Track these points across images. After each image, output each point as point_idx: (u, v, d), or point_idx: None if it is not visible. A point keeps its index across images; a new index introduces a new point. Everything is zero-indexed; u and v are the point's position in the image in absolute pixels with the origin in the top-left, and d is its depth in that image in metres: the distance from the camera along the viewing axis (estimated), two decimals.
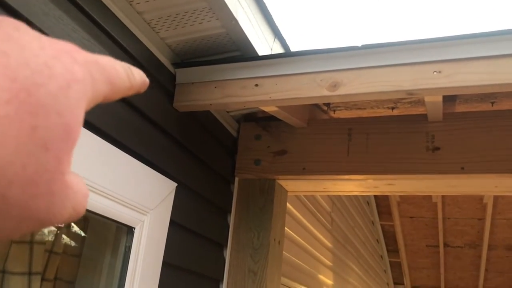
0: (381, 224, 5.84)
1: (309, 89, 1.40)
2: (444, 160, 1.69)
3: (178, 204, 1.51)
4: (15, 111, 0.19)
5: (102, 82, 0.24)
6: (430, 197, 5.14)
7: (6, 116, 0.18)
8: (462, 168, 1.66)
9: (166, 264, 1.43)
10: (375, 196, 5.42)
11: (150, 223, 1.34)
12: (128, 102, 1.33)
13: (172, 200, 1.47)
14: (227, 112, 1.94)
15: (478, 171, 1.64)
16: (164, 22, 1.42)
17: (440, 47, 1.28)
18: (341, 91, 1.37)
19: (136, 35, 1.38)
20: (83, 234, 1.40)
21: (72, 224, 1.39)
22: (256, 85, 1.47)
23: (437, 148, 1.71)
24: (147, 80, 0.30)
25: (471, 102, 1.84)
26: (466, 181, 1.73)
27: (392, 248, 6.24)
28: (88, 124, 1.16)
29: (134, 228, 1.29)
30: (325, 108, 2.05)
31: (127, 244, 1.28)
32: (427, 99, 1.46)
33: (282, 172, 1.90)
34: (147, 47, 1.43)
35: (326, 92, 1.38)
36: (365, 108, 2.04)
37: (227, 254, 1.87)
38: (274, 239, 1.90)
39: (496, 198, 4.94)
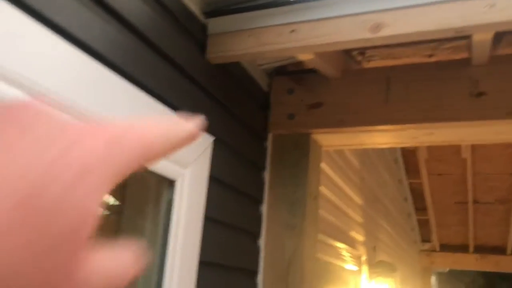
0: (409, 182, 5.77)
1: (349, 32, 1.33)
2: (490, 105, 1.61)
3: (215, 159, 1.48)
4: (22, 216, 0.19)
5: (130, 154, 0.23)
6: (459, 152, 5.03)
7: (13, 223, 0.18)
8: (509, 113, 1.58)
9: (207, 218, 1.41)
10: (403, 154, 5.34)
11: (191, 176, 1.32)
12: (163, 54, 1.29)
13: (209, 155, 1.44)
14: (258, 65, 1.88)
15: None
16: None
17: None
18: (385, 32, 1.29)
19: None
20: (122, 191, 1.38)
21: None
22: (292, 31, 1.40)
23: (482, 93, 1.63)
24: (196, 132, 0.26)
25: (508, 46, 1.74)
26: None
27: (420, 206, 6.19)
28: (123, 73, 1.12)
29: (176, 181, 1.27)
30: (359, 58, 1.98)
31: (169, 198, 1.26)
32: (475, 37, 1.38)
33: (317, 126, 1.85)
34: None
35: (368, 35, 1.31)
36: (401, 57, 1.96)
37: (264, 209, 1.84)
38: (310, 194, 1.86)
39: None
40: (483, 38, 1.38)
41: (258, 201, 1.83)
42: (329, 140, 1.97)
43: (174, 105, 1.29)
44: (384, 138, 1.90)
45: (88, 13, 1.03)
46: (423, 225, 6.55)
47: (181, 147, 0.26)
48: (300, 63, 1.98)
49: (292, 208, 1.82)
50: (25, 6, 0.87)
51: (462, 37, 1.73)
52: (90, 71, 0.99)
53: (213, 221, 1.47)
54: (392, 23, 1.29)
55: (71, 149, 0.21)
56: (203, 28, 1.50)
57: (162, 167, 1.22)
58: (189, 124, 0.26)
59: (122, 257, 0.23)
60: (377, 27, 1.30)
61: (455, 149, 5.04)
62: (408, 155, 5.30)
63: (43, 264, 0.19)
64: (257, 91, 1.86)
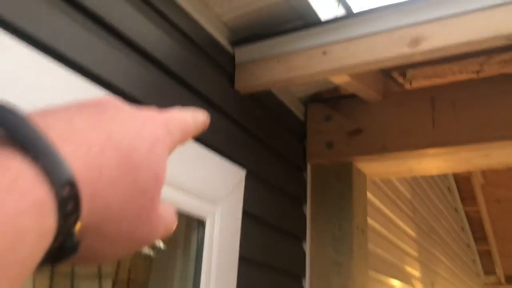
0: (465, 211, 5.43)
1: (385, 48, 1.22)
2: None
3: (249, 193, 1.38)
4: (122, 172, 0.26)
5: (177, 133, 0.32)
6: None
7: (117, 176, 0.26)
8: None
9: (243, 259, 1.31)
10: (456, 181, 5.05)
11: (222, 214, 1.22)
12: (191, 88, 1.22)
13: (242, 189, 1.34)
14: (292, 93, 1.80)
15: None
16: None
17: None
18: (424, 46, 1.18)
19: (190, 13, 1.27)
20: None
21: None
22: (324, 52, 1.31)
23: None
24: (207, 119, 0.37)
25: None
26: None
27: (479, 235, 5.79)
28: None
29: (205, 221, 1.18)
30: (401, 79, 1.86)
31: (199, 237, 1.16)
32: None
33: (359, 153, 1.72)
34: (202, 26, 1.32)
35: (407, 50, 1.20)
36: (446, 75, 1.82)
37: (307, 246, 1.71)
38: (357, 228, 1.72)
39: None
40: None
41: (300, 238, 1.70)
42: (373, 168, 1.84)
43: (202, 139, 1.22)
44: (434, 163, 1.75)
45: (106, 48, 0.98)
46: (485, 256, 6.11)
47: (200, 130, 0.35)
48: (336, 88, 1.88)
49: (338, 244, 1.68)
50: (35, 42, 0.82)
51: None
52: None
53: (249, 261, 1.36)
54: (433, 35, 1.17)
55: (145, 124, 0.29)
56: (231, 58, 1.44)
57: (190, 205, 1.13)
58: (203, 112, 0.36)
59: (171, 210, 0.31)
60: (416, 41, 1.19)
61: None
62: (462, 181, 5.00)
63: (135, 204, 0.27)
64: (292, 120, 1.77)
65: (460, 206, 5.32)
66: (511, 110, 1.51)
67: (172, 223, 0.31)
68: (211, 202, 1.19)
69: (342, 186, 1.74)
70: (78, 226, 0.24)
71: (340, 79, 1.46)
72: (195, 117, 0.35)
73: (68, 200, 0.22)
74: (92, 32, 0.96)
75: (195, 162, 1.15)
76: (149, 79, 1.09)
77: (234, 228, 1.27)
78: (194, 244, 1.17)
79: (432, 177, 3.97)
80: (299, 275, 1.66)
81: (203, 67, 1.29)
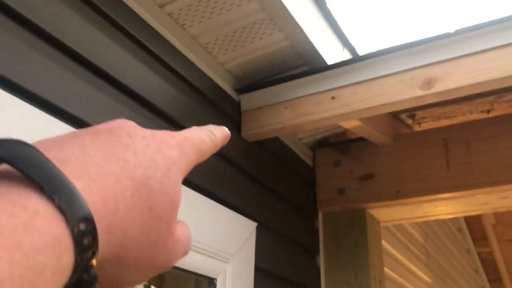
0: (477, 252, 5.28)
1: (397, 91, 1.18)
2: None
3: (260, 247, 1.31)
4: (138, 200, 0.26)
5: (192, 153, 0.31)
6: None
7: (133, 206, 0.25)
8: None
9: None
10: (467, 221, 4.92)
11: (233, 271, 1.14)
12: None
13: (254, 243, 1.27)
14: (299, 139, 1.75)
15: None
16: (221, 44, 1.28)
17: None
18: (438, 87, 1.14)
19: (193, 62, 1.24)
20: None
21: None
22: (333, 97, 1.27)
23: None
24: (228, 133, 0.36)
25: None
26: None
27: (494, 277, 5.61)
28: None
29: (216, 279, 1.10)
30: (410, 121, 1.81)
31: None
32: None
33: (372, 199, 1.65)
34: (206, 75, 1.28)
35: (420, 92, 1.16)
36: (455, 116, 1.78)
37: None
38: (375, 278, 1.63)
39: None
40: None
41: None
42: (387, 215, 1.76)
43: (209, 191, 1.16)
44: (450, 207, 1.68)
45: (109, 100, 0.94)
46: None
47: (220, 146, 0.35)
48: (343, 133, 1.84)
49: None
50: (32, 96, 0.78)
51: None
52: None
53: None
54: (446, 76, 1.13)
55: (160, 149, 0.29)
56: (237, 105, 1.40)
57: (200, 264, 1.06)
58: (222, 128, 0.35)
59: (186, 230, 0.31)
60: (429, 83, 1.15)
61: None
62: (473, 222, 4.88)
63: (152, 231, 0.27)
64: (301, 166, 1.71)
65: (472, 247, 5.17)
66: None
67: (188, 243, 0.31)
68: (221, 259, 1.12)
69: (356, 234, 1.66)
70: (96, 259, 0.24)
71: (350, 124, 1.42)
72: (212, 134, 0.34)
73: (84, 235, 0.22)
74: (94, 85, 0.92)
75: (203, 217, 1.08)
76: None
77: (246, 285, 1.19)
78: None
79: (442, 219, 3.87)
80: None
81: (208, 116, 1.25)
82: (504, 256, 5.24)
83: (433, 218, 1.83)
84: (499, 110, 1.71)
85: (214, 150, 0.34)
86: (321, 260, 1.67)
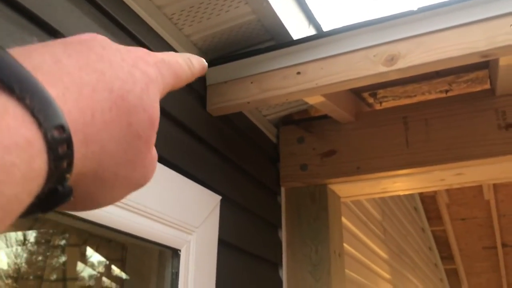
0: (431, 230, 5.49)
1: (361, 67, 1.20)
2: None
3: (224, 220, 1.32)
4: (116, 114, 0.25)
5: (169, 76, 0.30)
6: (481, 195, 4.80)
7: (111, 120, 0.25)
8: None
9: None
10: (422, 201, 5.11)
11: (197, 243, 1.15)
12: (164, 111, 1.16)
13: (218, 216, 1.28)
14: (264, 116, 1.76)
15: None
16: (187, 16, 1.26)
17: None
18: (400, 64, 1.16)
19: (159, 33, 1.22)
20: (120, 264, 1.21)
21: (108, 253, 1.21)
22: (299, 72, 1.28)
23: (511, 125, 1.48)
24: (205, 64, 0.36)
25: None
26: None
27: (446, 254, 5.86)
28: None
29: (180, 251, 1.10)
30: (371, 100, 1.85)
31: (173, 271, 1.09)
32: (502, 62, 1.24)
33: (334, 175, 1.69)
34: (171, 46, 1.27)
35: (383, 68, 1.18)
36: (415, 95, 1.83)
37: (283, 273, 1.65)
38: (334, 252, 1.67)
39: None
40: (510, 62, 1.24)
41: (276, 265, 1.64)
42: (347, 190, 1.80)
43: (174, 164, 1.15)
44: (408, 183, 1.74)
45: None
46: (452, 274, 6.18)
47: (196, 75, 0.34)
48: (307, 110, 1.86)
49: (315, 270, 1.62)
50: None
51: (481, 67, 1.61)
52: None
53: None
54: (408, 53, 1.16)
55: (137, 65, 0.27)
56: (202, 79, 1.39)
57: (164, 235, 1.06)
58: (200, 58, 0.35)
59: (155, 149, 0.30)
60: (392, 59, 1.17)
61: (477, 191, 4.81)
62: (428, 201, 5.06)
63: (131, 148, 0.26)
64: (265, 142, 1.73)
65: (427, 225, 5.38)
66: (483, 128, 1.51)
67: (156, 163, 0.31)
68: (185, 231, 1.12)
69: (317, 208, 1.70)
70: (72, 172, 0.23)
71: (314, 100, 1.43)
72: (190, 61, 0.33)
73: (59, 143, 0.22)
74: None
75: (169, 189, 1.08)
76: None
77: (210, 258, 1.20)
78: (168, 277, 1.09)
79: (399, 197, 3.99)
80: None
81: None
82: (456, 234, 5.48)
83: (391, 194, 1.88)
84: (457, 90, 1.77)
85: (191, 78, 0.33)
86: (283, 234, 1.70)
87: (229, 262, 1.32)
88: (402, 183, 1.75)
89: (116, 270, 1.20)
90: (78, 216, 0.88)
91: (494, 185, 4.66)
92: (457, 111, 1.58)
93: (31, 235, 1.07)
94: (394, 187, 1.78)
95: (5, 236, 1.02)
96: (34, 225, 1.05)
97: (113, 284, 1.20)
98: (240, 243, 1.41)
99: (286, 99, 1.32)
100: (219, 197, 1.30)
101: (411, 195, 4.80)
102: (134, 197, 0.96)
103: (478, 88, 1.72)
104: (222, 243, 1.29)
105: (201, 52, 1.39)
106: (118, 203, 0.93)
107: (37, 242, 1.07)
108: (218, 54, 1.41)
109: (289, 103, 1.73)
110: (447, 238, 5.54)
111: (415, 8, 1.18)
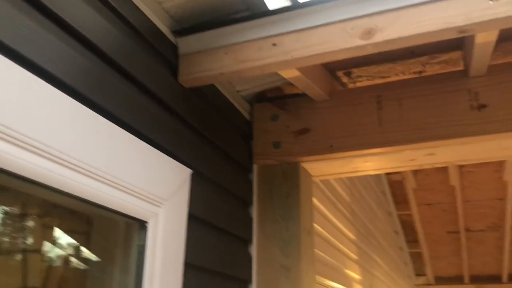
0: (398, 214, 5.60)
1: (338, 40, 1.18)
2: (493, 118, 1.47)
3: (194, 194, 1.28)
4: None
5: None
6: (447, 180, 4.91)
7: None
8: None
9: (188, 265, 1.20)
10: (390, 185, 5.19)
11: (166, 216, 1.12)
12: (132, 78, 1.11)
13: (187, 190, 1.24)
14: (237, 91, 1.72)
15: None
16: None
17: None
18: (378, 37, 1.15)
19: None
20: (85, 238, 1.17)
21: (71, 225, 1.16)
22: (274, 44, 1.25)
23: (483, 106, 1.50)
24: None
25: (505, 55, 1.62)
26: None
27: (411, 238, 6.00)
28: (88, 102, 0.94)
29: (147, 223, 1.07)
30: (345, 78, 1.84)
31: (140, 243, 1.05)
32: (479, 39, 1.24)
33: (306, 153, 1.67)
34: (142, 12, 1.21)
35: (360, 41, 1.16)
36: (389, 76, 1.82)
37: (254, 250, 1.63)
38: (305, 229, 1.67)
39: None
40: (486, 40, 1.24)
41: (246, 241, 1.62)
42: (319, 169, 1.79)
43: (142, 134, 1.11)
44: (379, 162, 1.74)
45: (42, 31, 0.85)
46: (416, 258, 6.34)
47: None
48: (280, 88, 1.83)
49: (286, 246, 1.61)
50: None
51: (455, 48, 1.61)
52: (45, 95, 0.81)
53: (195, 268, 1.25)
54: (386, 27, 1.14)
55: None
56: (174, 48, 1.34)
57: (131, 206, 1.02)
58: None
59: None
60: (369, 32, 1.15)
61: (443, 177, 4.92)
62: (396, 185, 5.15)
63: None
64: (238, 118, 1.69)
65: (393, 209, 5.48)
66: (455, 109, 1.52)
67: None
68: (154, 203, 1.08)
69: (289, 186, 1.69)
70: None
71: (290, 74, 1.40)
72: None
73: None
74: (28, 16, 0.83)
75: (135, 159, 1.04)
76: (87, 66, 0.97)
77: (179, 232, 1.17)
78: (135, 250, 1.05)
79: (367, 180, 4.04)
80: (246, 280, 1.57)
81: (144, 57, 1.18)
82: (422, 219, 5.60)
83: (361, 173, 1.88)
84: (430, 71, 1.77)
85: None
86: (254, 211, 1.68)
87: (199, 237, 1.29)
88: (373, 163, 1.75)
89: (80, 243, 1.16)
90: (45, 184, 0.83)
91: (460, 172, 4.77)
92: (430, 92, 1.58)
93: None
94: (365, 166, 1.78)
95: None
96: None
97: (76, 258, 1.16)
98: (210, 218, 1.38)
99: (261, 71, 1.28)
100: (189, 171, 1.26)
101: (380, 179, 4.87)
102: (101, 166, 0.92)
103: (451, 70, 1.72)
104: (192, 217, 1.26)
105: (173, 20, 1.34)
106: (87, 172, 0.89)
107: None
108: (191, 23, 1.36)
109: (263, 78, 1.70)
110: (412, 223, 5.66)
111: None
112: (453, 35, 1.11)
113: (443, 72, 1.65)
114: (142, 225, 1.07)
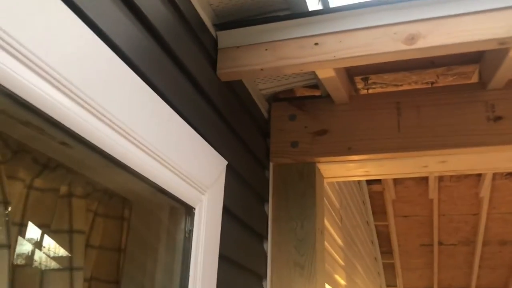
0: (375, 225, 5.71)
1: (382, 43, 1.22)
2: (509, 129, 1.54)
3: (227, 186, 1.30)
4: None
5: None
6: (426, 194, 5.05)
7: None
8: None
9: (221, 257, 1.21)
10: (371, 196, 5.29)
11: (208, 204, 1.13)
12: (180, 64, 1.12)
13: (223, 181, 1.26)
14: (260, 90, 1.75)
15: None
16: None
17: None
18: (420, 44, 1.20)
19: None
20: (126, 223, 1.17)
21: (110, 209, 1.16)
22: (316, 43, 1.28)
23: (499, 118, 1.57)
24: None
25: None
26: None
27: (385, 249, 6.11)
28: (141, 73, 0.95)
29: (194, 209, 1.08)
30: (361, 85, 1.89)
31: (187, 228, 1.06)
32: None
33: (324, 154, 1.71)
34: (191, 2, 1.23)
35: (403, 46, 1.21)
36: (402, 85, 1.89)
37: (268, 246, 1.65)
38: (319, 229, 1.70)
39: (492, 191, 4.89)
40: None
41: (262, 237, 1.64)
42: (333, 171, 1.83)
43: (191, 122, 1.12)
44: (393, 167, 1.79)
45: (116, 10, 0.86)
46: (389, 269, 6.46)
47: None
48: (298, 89, 1.87)
49: (300, 245, 1.64)
50: None
51: (472, 62, 1.68)
52: (108, 62, 0.81)
53: (226, 260, 1.27)
54: (428, 34, 1.19)
55: None
56: (214, 41, 1.36)
57: (179, 189, 1.03)
58: None
59: None
60: (412, 38, 1.20)
61: (422, 190, 5.05)
62: (376, 196, 5.25)
63: None
64: (258, 116, 1.72)
65: (371, 220, 5.58)
66: (472, 119, 1.59)
67: None
68: (199, 190, 1.09)
69: (305, 186, 1.72)
70: None
71: (326, 74, 1.44)
72: None
73: None
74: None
75: (187, 144, 1.05)
76: (147, 47, 0.98)
77: (217, 220, 1.18)
78: (181, 235, 1.06)
79: (353, 189, 4.12)
80: (261, 275, 1.59)
81: (190, 45, 1.20)
82: (397, 230, 5.72)
83: (372, 177, 1.93)
84: (442, 83, 1.84)
85: None
86: (270, 209, 1.70)
87: (228, 228, 1.30)
88: (386, 167, 1.80)
89: (119, 227, 1.16)
90: (111, 156, 0.83)
91: (439, 186, 4.92)
92: (448, 101, 1.64)
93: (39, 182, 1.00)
94: (378, 170, 1.83)
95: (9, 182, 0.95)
96: (42, 172, 0.99)
97: (118, 242, 1.16)
98: (236, 211, 1.39)
99: (301, 69, 1.31)
100: (225, 162, 1.28)
101: (361, 189, 4.96)
102: (160, 146, 0.93)
103: (462, 82, 1.80)
104: (225, 209, 1.27)
105: (215, 14, 1.36)
106: (148, 150, 0.89)
107: (45, 189, 1.01)
108: (232, 18, 1.38)
109: (287, 78, 1.73)
110: (388, 234, 5.78)
111: None
112: (493, 46, 1.17)
113: (459, 83, 1.72)
114: (189, 210, 1.07)
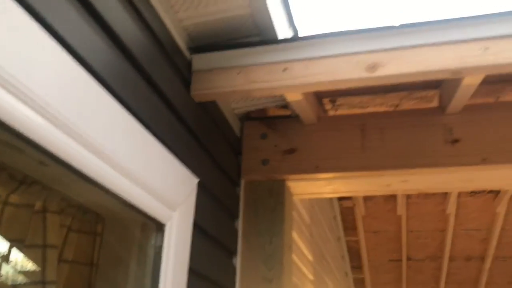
0: (346, 240, 5.80)
1: (345, 70, 1.31)
2: (465, 152, 1.64)
3: (198, 203, 1.35)
4: None
5: None
6: (394, 210, 5.17)
7: None
8: (484, 159, 1.61)
9: (191, 271, 1.26)
10: (342, 211, 5.39)
11: (178, 220, 1.18)
12: (153, 84, 1.18)
13: (194, 198, 1.31)
14: (233, 109, 1.81)
15: (500, 162, 1.60)
16: (184, 1, 1.29)
17: (486, 23, 1.23)
18: (381, 72, 1.28)
19: (157, 11, 1.24)
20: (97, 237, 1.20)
21: (83, 225, 1.20)
22: (285, 69, 1.36)
23: (456, 140, 1.67)
24: None
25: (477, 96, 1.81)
26: (485, 173, 1.69)
27: (356, 264, 6.21)
28: (113, 91, 1.00)
29: (165, 225, 1.12)
30: (329, 106, 1.97)
31: (158, 244, 1.10)
32: (466, 81, 1.41)
33: (293, 172, 1.78)
34: (165, 26, 1.29)
35: (365, 74, 1.29)
36: (368, 107, 1.98)
37: (238, 261, 1.70)
38: (287, 244, 1.76)
39: (458, 208, 5.05)
40: (472, 82, 1.41)
41: (232, 252, 1.69)
42: (301, 188, 1.90)
43: (163, 140, 1.17)
44: (357, 186, 1.87)
45: (89, 30, 0.91)
46: (359, 284, 6.56)
47: None
48: (270, 109, 1.94)
49: (269, 260, 1.69)
50: (35, 14, 0.74)
51: (432, 87, 1.79)
52: (83, 84, 0.86)
53: (194, 273, 1.31)
54: (389, 63, 1.28)
55: None
56: (188, 63, 1.42)
57: (150, 206, 1.07)
58: None
59: None
60: (373, 67, 1.29)
61: (391, 207, 5.18)
62: (347, 212, 5.35)
63: None
64: (231, 134, 1.78)
65: (342, 235, 5.68)
66: (431, 141, 1.68)
67: None
68: (170, 206, 1.14)
69: (274, 202, 1.78)
70: None
71: (294, 97, 1.52)
72: None
73: None
74: (85, 20, 0.89)
75: (158, 161, 1.10)
76: (119, 65, 1.03)
77: (186, 237, 1.23)
78: (151, 251, 1.10)
79: (323, 205, 4.20)
80: None
81: (164, 66, 1.25)
82: (368, 246, 5.83)
83: (340, 195, 2.01)
84: (405, 106, 1.94)
85: None
86: (240, 224, 1.76)
87: (198, 244, 1.35)
88: (353, 185, 1.88)
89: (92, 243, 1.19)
90: (87, 176, 0.88)
91: (407, 202, 5.05)
92: (410, 124, 1.74)
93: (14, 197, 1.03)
94: (345, 188, 1.91)
95: None
96: (18, 187, 1.02)
97: (90, 256, 1.19)
98: (207, 227, 1.44)
99: (271, 93, 1.39)
100: (197, 180, 1.33)
101: (332, 205, 5.05)
102: (130, 163, 0.97)
103: (424, 106, 1.90)
104: (195, 224, 1.32)
105: (189, 38, 1.42)
106: (118, 167, 0.94)
107: (20, 205, 1.04)
108: (205, 42, 1.44)
109: (258, 99, 1.80)
110: (359, 249, 5.88)
111: (397, 24, 1.31)
112: (447, 76, 1.26)
113: (420, 108, 1.82)
114: (159, 226, 1.12)
